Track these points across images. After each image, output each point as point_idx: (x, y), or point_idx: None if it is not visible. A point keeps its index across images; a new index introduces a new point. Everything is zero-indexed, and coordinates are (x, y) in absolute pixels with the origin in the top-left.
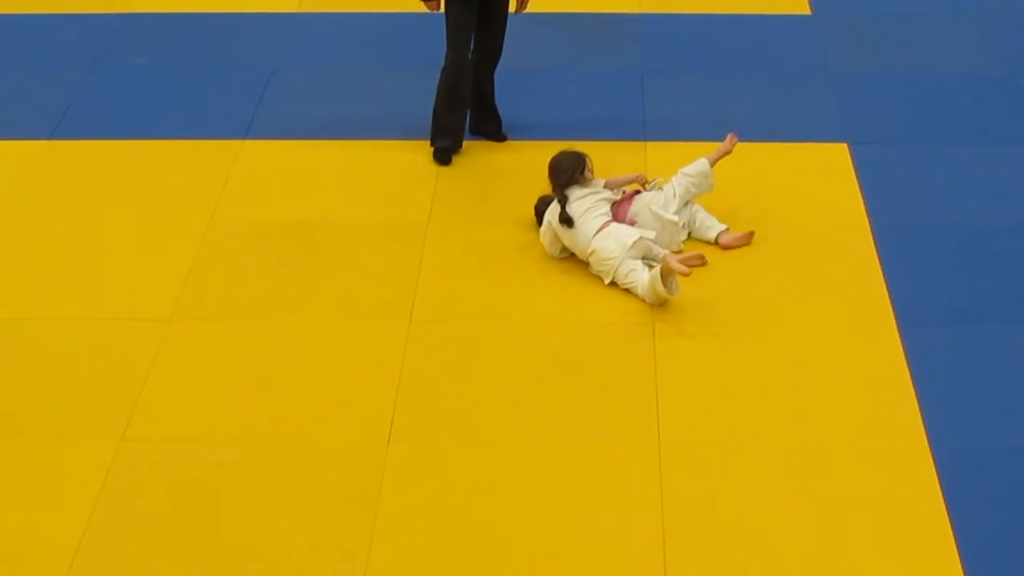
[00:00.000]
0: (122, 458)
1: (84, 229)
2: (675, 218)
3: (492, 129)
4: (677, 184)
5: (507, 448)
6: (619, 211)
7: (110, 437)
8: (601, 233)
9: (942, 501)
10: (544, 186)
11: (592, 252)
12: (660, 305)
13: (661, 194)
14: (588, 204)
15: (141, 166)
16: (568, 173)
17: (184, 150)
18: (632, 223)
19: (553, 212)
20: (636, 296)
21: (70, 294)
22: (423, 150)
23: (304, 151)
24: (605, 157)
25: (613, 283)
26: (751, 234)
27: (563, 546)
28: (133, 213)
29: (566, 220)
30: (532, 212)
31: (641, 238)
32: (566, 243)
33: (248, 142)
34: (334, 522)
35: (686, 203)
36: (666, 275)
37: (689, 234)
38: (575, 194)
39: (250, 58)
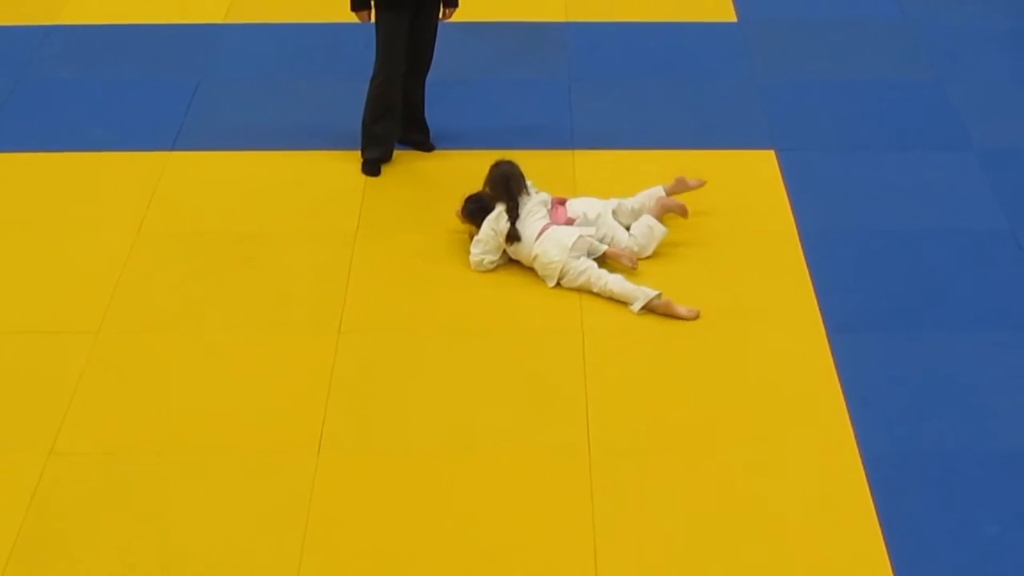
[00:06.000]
0: (51, 472)
1: (11, 242)
2: (610, 204)
3: (420, 139)
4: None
5: (438, 457)
6: (559, 211)
7: (39, 450)
8: (542, 237)
9: (871, 504)
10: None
11: (535, 257)
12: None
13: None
14: (526, 210)
15: (67, 178)
16: (522, 182)
17: (111, 162)
18: (570, 221)
19: (498, 223)
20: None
21: None
22: (350, 160)
23: (231, 162)
24: (533, 166)
25: (558, 285)
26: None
27: (495, 555)
28: (60, 225)
29: (514, 237)
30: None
31: (581, 236)
32: (510, 252)
33: (175, 153)
34: (265, 534)
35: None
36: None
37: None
38: (523, 206)
39: (176, 69)
